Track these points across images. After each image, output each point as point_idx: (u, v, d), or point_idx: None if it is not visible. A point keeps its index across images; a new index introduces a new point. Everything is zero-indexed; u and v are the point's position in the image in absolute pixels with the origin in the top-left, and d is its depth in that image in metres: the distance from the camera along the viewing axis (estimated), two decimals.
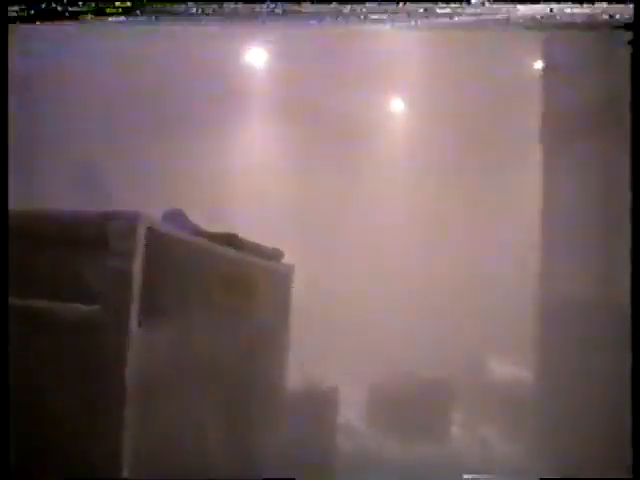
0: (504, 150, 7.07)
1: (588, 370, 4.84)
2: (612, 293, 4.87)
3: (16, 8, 3.20)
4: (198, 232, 3.44)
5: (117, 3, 3.33)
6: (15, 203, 2.81)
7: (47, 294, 2.67)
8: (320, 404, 4.90)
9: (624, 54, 3.14)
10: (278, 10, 3.45)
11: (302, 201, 7.29)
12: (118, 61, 5.91)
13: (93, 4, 3.29)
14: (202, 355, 3.18)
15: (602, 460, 4.33)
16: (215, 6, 3.48)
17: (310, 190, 7.38)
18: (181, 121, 6.67)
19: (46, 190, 5.26)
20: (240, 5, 3.46)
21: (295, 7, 3.49)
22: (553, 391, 5.26)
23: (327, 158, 7.38)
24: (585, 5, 3.19)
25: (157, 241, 2.70)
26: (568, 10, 3.20)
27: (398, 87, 7.34)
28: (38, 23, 3.30)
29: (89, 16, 3.31)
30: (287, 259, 4.42)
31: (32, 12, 3.25)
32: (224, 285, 3.41)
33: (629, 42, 3.08)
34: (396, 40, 5.51)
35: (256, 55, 7.09)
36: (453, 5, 3.26)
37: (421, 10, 3.29)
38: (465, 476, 4.46)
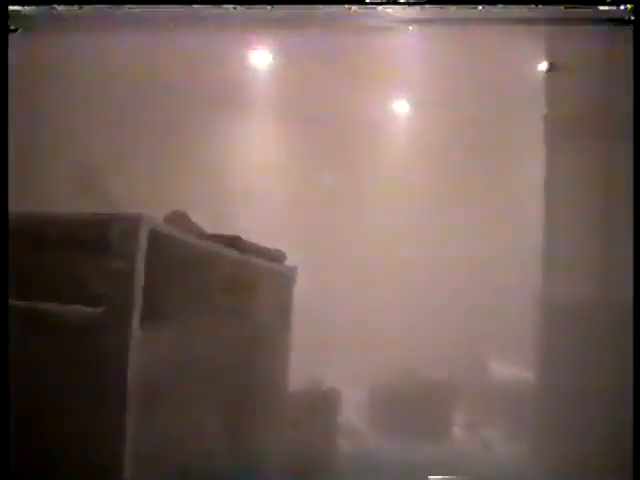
0: (505, 150, 7.06)
1: (588, 370, 4.84)
2: (613, 293, 4.88)
3: None
4: (200, 234, 3.44)
5: None
6: (15, 205, 2.81)
7: (49, 296, 2.67)
8: (320, 404, 4.90)
9: (626, 53, 3.14)
10: (278, 11, 3.46)
11: (304, 202, 7.28)
12: (118, 61, 5.90)
13: None
14: (204, 356, 3.18)
15: (602, 460, 4.34)
16: (215, 7, 3.49)
17: (312, 191, 7.37)
18: (182, 122, 6.66)
19: (47, 192, 5.25)
20: (240, 6, 3.46)
21: (295, 7, 3.50)
22: (553, 391, 5.26)
23: (329, 159, 7.37)
24: (587, 5, 3.20)
25: (159, 243, 2.70)
26: (571, 10, 3.21)
27: (400, 87, 7.32)
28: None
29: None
30: (288, 259, 4.42)
31: None
32: (226, 287, 3.42)
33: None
34: (398, 40, 5.50)
35: (257, 55, 7.07)
36: (455, 5, 3.27)
37: (425, 10, 3.30)
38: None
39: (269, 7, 3.39)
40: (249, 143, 7.46)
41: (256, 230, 3.94)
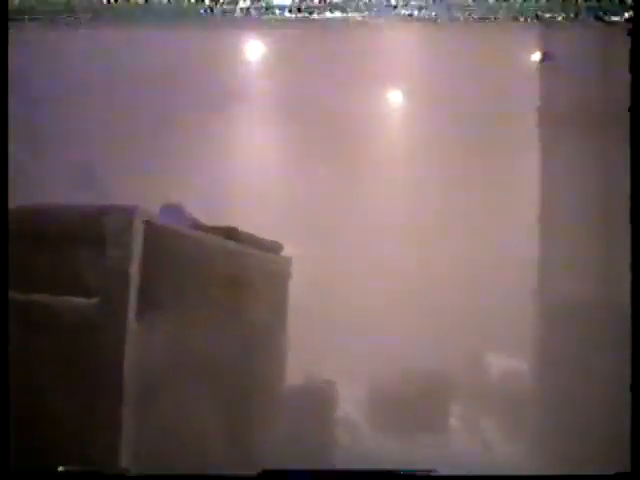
0: (504, 149, 7.07)
1: (588, 370, 4.83)
2: (612, 293, 4.86)
3: None
4: (196, 225, 3.44)
5: None
6: (14, 202, 2.81)
7: (44, 288, 2.68)
8: (318, 401, 4.89)
9: (624, 50, 3.13)
10: (277, 10, 3.46)
11: (301, 200, 7.29)
12: (118, 61, 5.92)
13: None
14: (200, 350, 3.18)
15: (601, 460, 4.32)
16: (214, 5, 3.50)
17: (309, 189, 7.38)
18: (180, 120, 6.68)
19: (44, 185, 5.26)
20: (239, 5, 3.47)
21: (295, 7, 3.51)
22: (553, 390, 5.25)
23: (326, 157, 7.38)
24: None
25: (154, 234, 2.70)
26: (568, 5, 3.21)
27: (398, 85, 7.34)
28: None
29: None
30: (286, 256, 4.43)
31: None
32: (222, 279, 3.41)
33: (628, 34, 3.07)
34: (396, 38, 5.52)
35: (255, 54, 7.09)
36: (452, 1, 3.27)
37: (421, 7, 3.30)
38: None
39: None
40: (247, 140, 7.48)
41: (254, 227, 3.94)
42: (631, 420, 2.96)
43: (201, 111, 6.74)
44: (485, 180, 7.25)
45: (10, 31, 3.05)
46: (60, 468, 2.48)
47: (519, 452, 5.46)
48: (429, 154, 7.15)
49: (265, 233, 4.13)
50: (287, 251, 4.47)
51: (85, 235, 2.69)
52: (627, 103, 3.13)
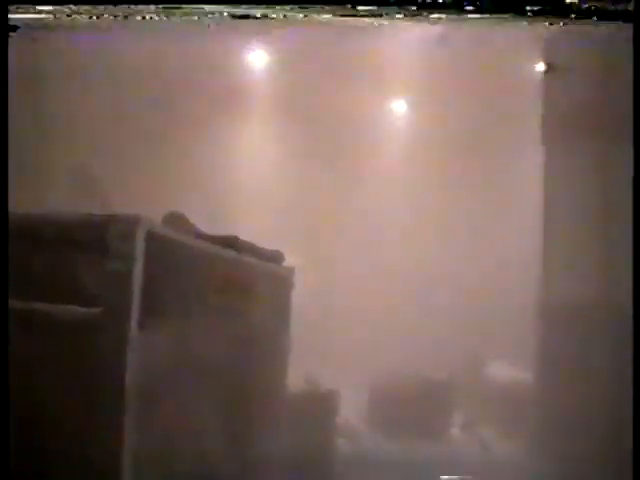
0: (505, 151, 7.06)
1: (588, 370, 4.84)
2: (613, 293, 4.87)
3: None
4: (198, 235, 3.44)
5: None
6: (14, 206, 2.80)
7: (47, 297, 2.67)
8: (320, 405, 4.90)
9: (625, 53, 3.13)
10: (277, 11, 3.46)
11: (303, 203, 7.28)
12: (117, 62, 5.90)
13: None
14: (202, 357, 3.18)
15: (601, 460, 4.34)
16: (213, 7, 3.49)
17: (311, 191, 7.37)
18: (181, 122, 6.66)
19: (46, 192, 5.26)
20: (239, 6, 3.46)
21: (294, 7, 3.50)
22: (553, 391, 5.26)
23: (328, 160, 7.37)
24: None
25: (157, 244, 2.70)
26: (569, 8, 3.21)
27: (399, 87, 7.32)
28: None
29: None
30: (287, 260, 4.42)
31: None
32: (224, 288, 3.42)
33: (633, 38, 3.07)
34: (397, 41, 5.50)
35: (256, 55, 7.07)
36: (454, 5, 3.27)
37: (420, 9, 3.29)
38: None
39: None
40: (248, 144, 7.46)
41: (255, 231, 3.94)
42: (632, 421, 2.97)
43: (200, 113, 6.72)
44: (486, 181, 7.24)
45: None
46: None
47: (519, 452, 5.48)
48: (430, 156, 7.14)
49: (266, 236, 4.13)
50: (287, 254, 4.46)
51: (87, 244, 2.69)
52: (628, 104, 3.13)
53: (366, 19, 3.37)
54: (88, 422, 2.55)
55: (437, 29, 3.53)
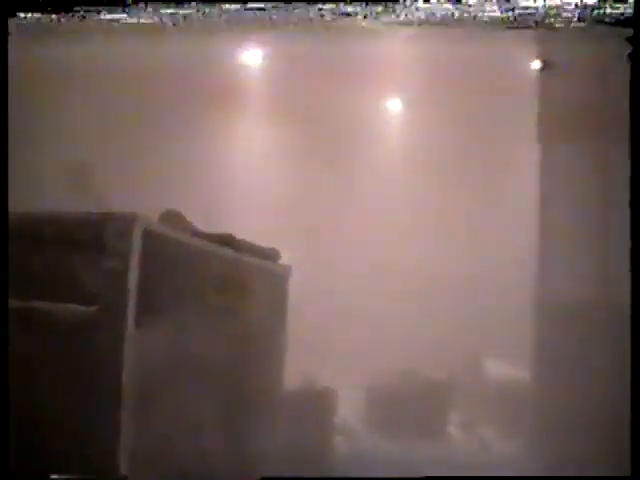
0: (503, 150, 7.07)
1: (588, 370, 4.83)
2: (612, 293, 4.87)
3: None
4: (194, 233, 3.44)
5: None
6: (13, 205, 2.81)
7: (44, 295, 2.68)
8: (317, 404, 4.90)
9: (623, 52, 3.14)
10: (276, 12, 3.46)
11: (300, 201, 7.28)
12: (116, 62, 5.91)
13: None
14: (198, 355, 3.19)
15: (601, 460, 4.33)
16: (211, 7, 3.50)
17: (308, 190, 7.38)
18: (178, 122, 6.68)
19: (44, 191, 5.26)
20: (238, 6, 3.47)
21: (293, 7, 3.51)
22: (553, 391, 5.25)
23: (325, 158, 7.37)
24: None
25: (153, 242, 2.70)
26: (567, 7, 3.21)
27: (396, 87, 7.32)
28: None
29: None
30: (285, 259, 4.43)
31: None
32: (220, 285, 3.42)
33: (627, 39, 3.07)
34: (394, 41, 5.49)
35: (254, 56, 7.08)
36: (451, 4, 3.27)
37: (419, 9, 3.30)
38: None
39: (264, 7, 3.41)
40: (244, 142, 7.47)
41: (252, 230, 3.94)
42: (631, 420, 2.97)
43: (197, 112, 6.74)
44: (485, 181, 7.24)
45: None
46: (54, 477, 2.49)
47: (518, 452, 5.47)
48: (429, 155, 7.15)
49: (264, 235, 4.13)
50: (286, 253, 4.46)
51: (85, 242, 2.70)
52: (625, 102, 3.13)
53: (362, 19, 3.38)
54: (86, 419, 2.55)
55: (436, 29, 3.52)
